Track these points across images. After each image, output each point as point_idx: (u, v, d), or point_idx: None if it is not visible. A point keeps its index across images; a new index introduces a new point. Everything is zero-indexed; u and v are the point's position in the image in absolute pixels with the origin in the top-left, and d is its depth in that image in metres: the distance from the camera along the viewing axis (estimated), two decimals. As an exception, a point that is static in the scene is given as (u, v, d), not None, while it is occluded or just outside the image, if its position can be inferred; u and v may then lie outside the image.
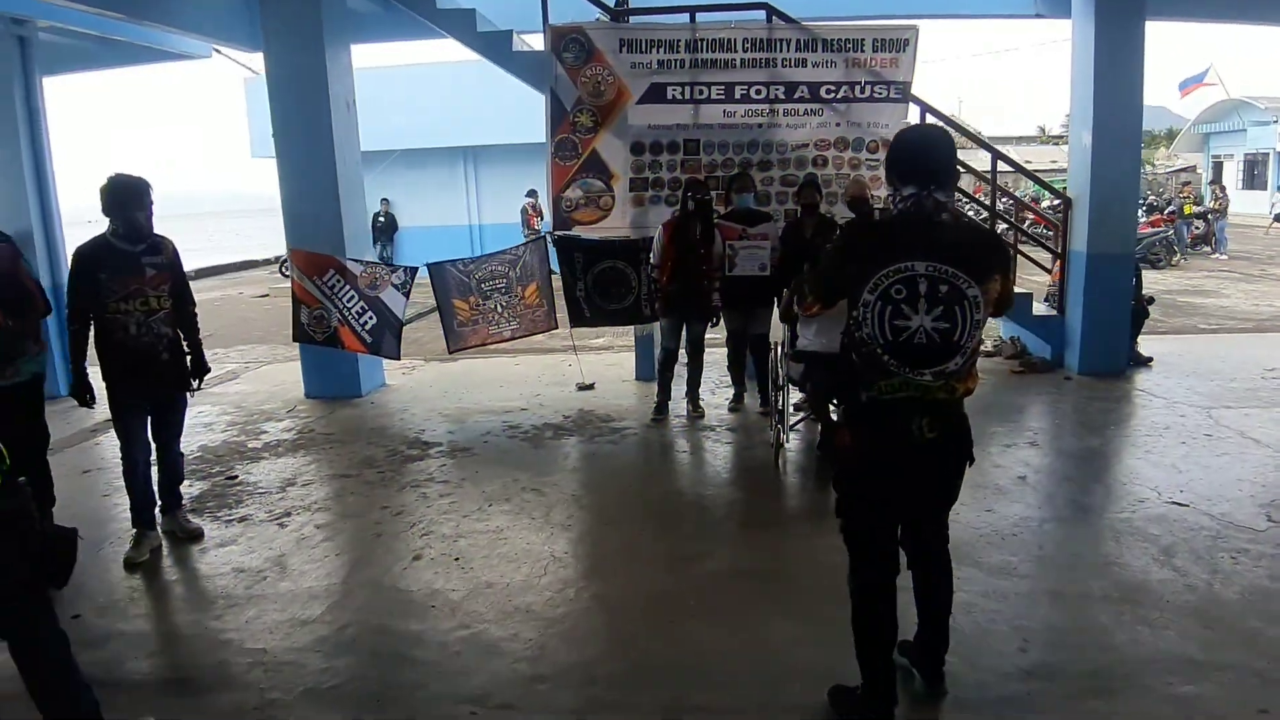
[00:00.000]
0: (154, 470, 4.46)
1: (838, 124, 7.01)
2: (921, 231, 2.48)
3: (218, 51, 9.01)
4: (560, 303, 6.96)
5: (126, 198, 4.10)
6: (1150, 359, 7.46)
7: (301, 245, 6.98)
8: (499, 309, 7.02)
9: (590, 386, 7.37)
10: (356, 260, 6.84)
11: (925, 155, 2.55)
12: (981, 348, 7.71)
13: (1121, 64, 6.92)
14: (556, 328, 7.23)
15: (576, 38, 6.86)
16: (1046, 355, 7.55)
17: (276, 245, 16.08)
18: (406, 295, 6.80)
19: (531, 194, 15.94)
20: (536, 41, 7.42)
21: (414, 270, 6.92)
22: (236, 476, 5.52)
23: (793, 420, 5.66)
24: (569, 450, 5.85)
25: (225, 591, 3.99)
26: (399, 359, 7.10)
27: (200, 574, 4.23)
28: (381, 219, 17.43)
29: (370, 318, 6.74)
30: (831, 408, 5.47)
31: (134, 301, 4.15)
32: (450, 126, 15.83)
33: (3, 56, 7.27)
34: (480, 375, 8.05)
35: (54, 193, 7.74)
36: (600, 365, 8.13)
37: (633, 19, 7.14)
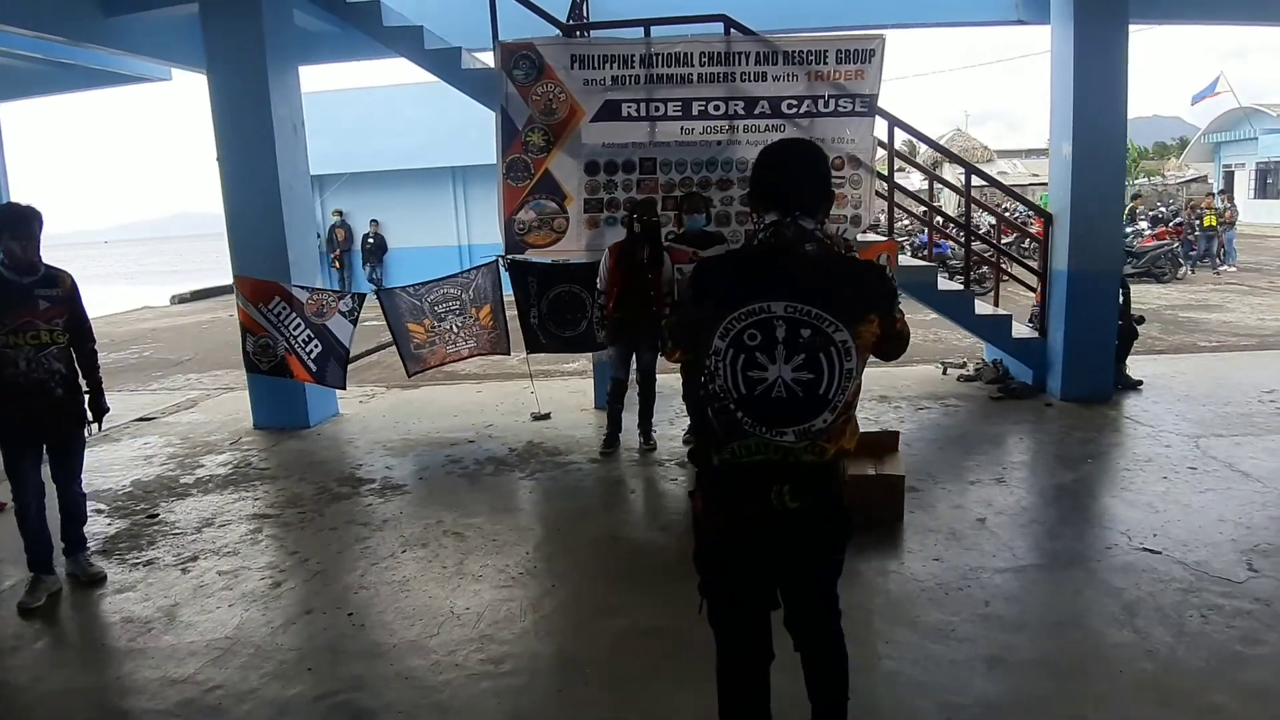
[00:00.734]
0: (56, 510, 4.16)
1: (801, 139, 6.64)
2: (780, 266, 2.09)
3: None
4: (516, 327, 6.65)
5: (4, 225, 3.83)
6: (1140, 382, 6.99)
7: (246, 271, 6.70)
8: (454, 329, 6.77)
9: (546, 416, 6.99)
10: (302, 287, 6.54)
11: (787, 175, 2.16)
12: (956, 373, 7.29)
13: (1103, 69, 6.49)
14: (508, 353, 6.92)
15: (527, 54, 6.54)
16: (1029, 380, 7.10)
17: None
18: (354, 323, 6.48)
19: None
20: (490, 59, 7.11)
21: (362, 296, 6.65)
22: (158, 515, 5.21)
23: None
24: (506, 488, 5.48)
25: (107, 643, 3.70)
26: (344, 389, 6.82)
27: (88, 623, 3.95)
28: (371, 240, 17.23)
29: (315, 346, 6.45)
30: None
31: (24, 335, 3.88)
32: (438, 147, 15.61)
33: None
34: (438, 404, 7.70)
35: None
36: (563, 392, 7.78)
37: (587, 34, 6.82)
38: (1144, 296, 12.32)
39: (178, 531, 4.91)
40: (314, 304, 6.50)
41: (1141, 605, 3.53)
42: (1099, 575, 3.83)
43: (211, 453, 6.48)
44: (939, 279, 7.33)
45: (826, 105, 6.57)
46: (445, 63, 6.88)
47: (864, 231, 6.94)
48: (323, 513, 5.10)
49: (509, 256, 6.75)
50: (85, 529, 4.38)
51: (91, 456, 6.42)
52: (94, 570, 4.29)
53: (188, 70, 7.82)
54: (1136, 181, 26.74)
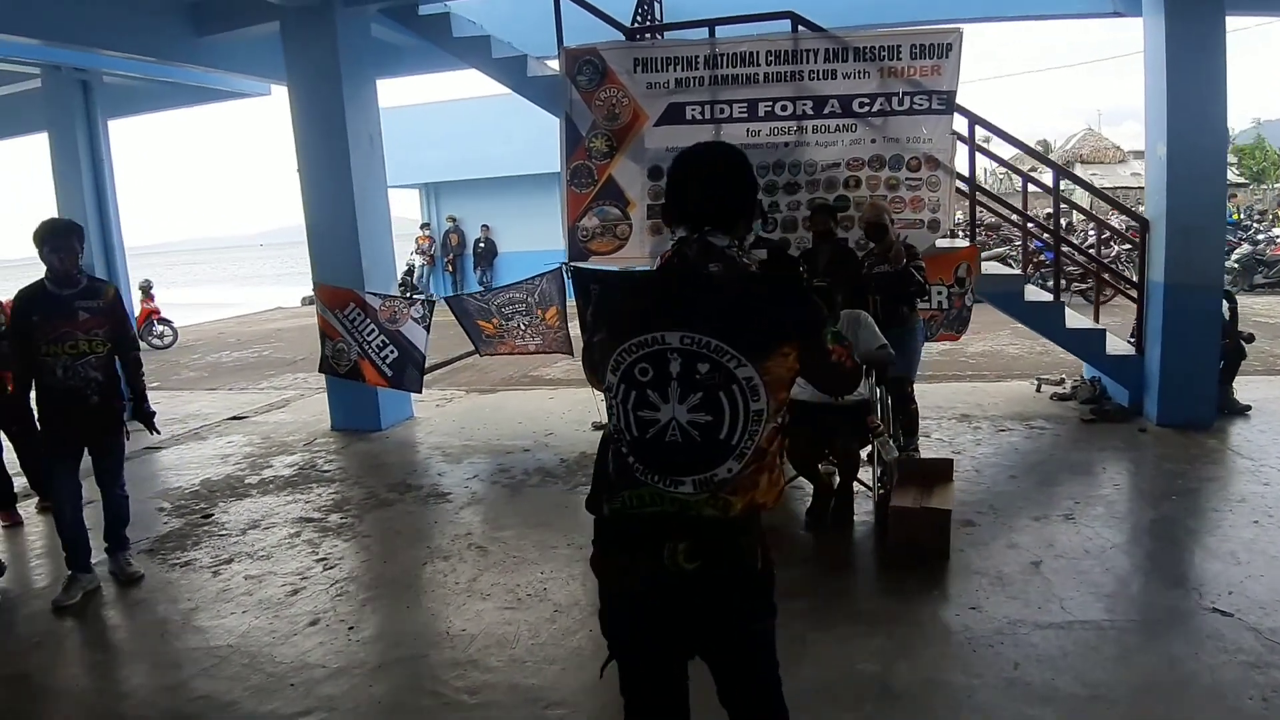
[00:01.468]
0: (101, 510, 4.33)
1: (873, 140, 6.19)
2: (677, 291, 1.81)
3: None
4: (578, 335, 6.54)
5: (43, 240, 4.00)
6: (1248, 407, 6.15)
7: (325, 279, 6.88)
8: (522, 327, 6.76)
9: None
10: (376, 294, 6.66)
11: (696, 185, 1.86)
12: (1051, 390, 6.59)
13: (1199, 64, 5.71)
14: (572, 354, 6.82)
15: (590, 59, 6.40)
16: (1124, 402, 6.38)
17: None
18: (427, 329, 6.59)
19: None
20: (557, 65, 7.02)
21: (432, 303, 6.71)
22: (212, 515, 5.36)
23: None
24: (545, 501, 5.33)
25: (121, 645, 3.81)
26: (420, 393, 6.91)
27: (110, 624, 4.06)
28: (482, 244, 17.64)
29: (391, 351, 6.55)
30: (824, 468, 4.77)
31: (63, 345, 4.03)
32: (546, 153, 15.73)
33: (67, 101, 7.60)
34: (508, 409, 7.67)
35: (116, 229, 8.02)
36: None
37: (650, 37, 6.61)
38: (1276, 310, 11.04)
39: (224, 533, 5.01)
40: (386, 310, 6.61)
41: (1194, 681, 2.98)
42: (1154, 639, 3.28)
43: (284, 453, 6.66)
44: (1027, 288, 6.69)
45: (901, 103, 6.11)
46: (512, 71, 6.84)
47: (943, 237, 6.43)
48: (364, 519, 5.12)
49: (572, 264, 6.64)
50: (139, 529, 4.53)
51: (174, 455, 6.82)
52: (131, 571, 4.40)
53: (281, 85, 8.11)
54: (1278, 186, 24.08)
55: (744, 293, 1.80)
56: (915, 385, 5.56)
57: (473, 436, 6.84)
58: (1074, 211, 15.13)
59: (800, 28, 6.20)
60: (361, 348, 6.60)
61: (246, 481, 6.01)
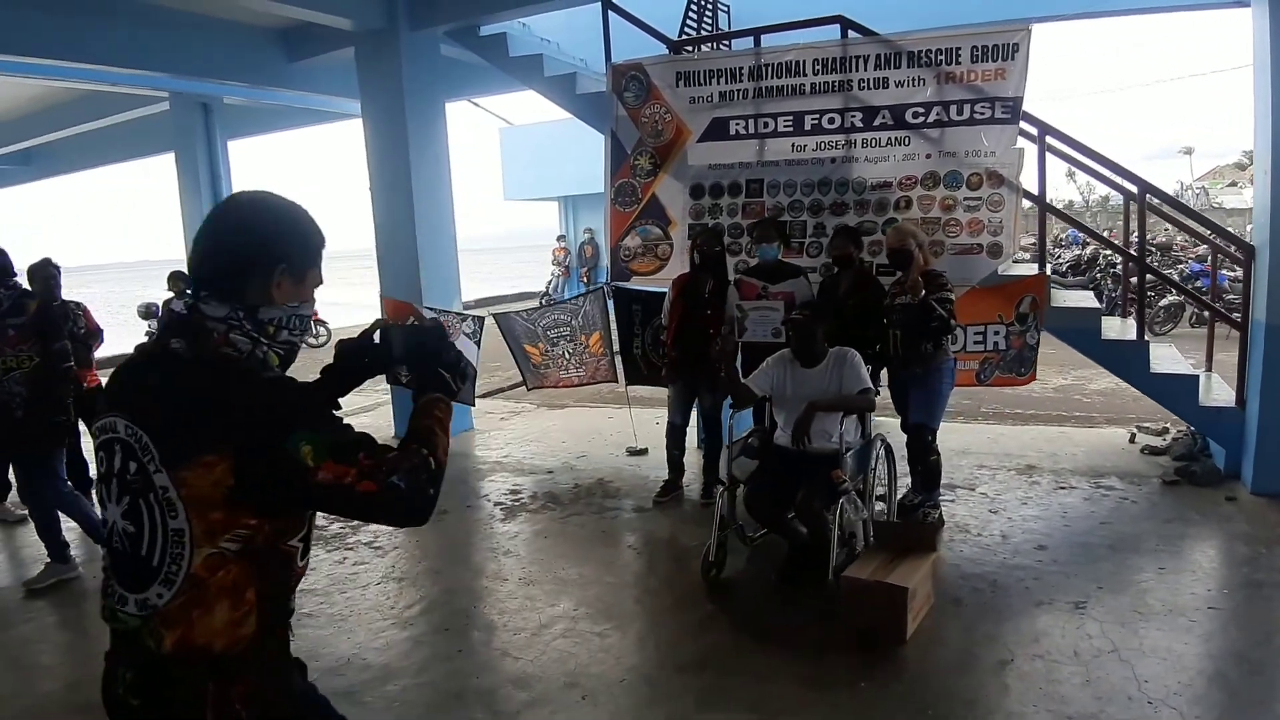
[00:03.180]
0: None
1: (928, 155, 5.44)
2: (136, 370, 1.48)
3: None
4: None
5: None
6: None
7: (388, 293, 7.01)
8: (566, 355, 6.66)
9: (642, 452, 6.46)
10: (432, 309, 6.70)
11: (196, 242, 1.50)
12: (1147, 440, 5.55)
13: None
14: (616, 380, 6.55)
15: (636, 75, 6.08)
16: (1220, 462, 5.24)
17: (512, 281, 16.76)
18: (478, 344, 6.59)
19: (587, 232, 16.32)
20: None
21: (482, 320, 6.72)
22: None
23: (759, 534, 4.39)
24: (531, 529, 5.09)
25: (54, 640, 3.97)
26: (474, 405, 6.95)
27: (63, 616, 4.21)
28: (590, 248, 17.69)
29: None
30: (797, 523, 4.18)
31: None
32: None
33: (190, 123, 8.20)
34: (562, 427, 7.50)
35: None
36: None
37: (696, 48, 6.19)
38: None
39: None
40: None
41: None
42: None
43: (340, 456, 6.80)
44: (1107, 323, 5.64)
45: (960, 112, 5.33)
46: (563, 89, 6.62)
47: (1014, 263, 5.57)
48: (358, 531, 5.08)
49: (614, 284, 6.36)
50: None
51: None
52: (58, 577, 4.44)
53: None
54: None
55: (180, 378, 1.42)
56: (1007, 426, 4.80)
57: (510, 454, 6.71)
58: (1178, 233, 12.93)
59: (850, 33, 5.57)
60: None
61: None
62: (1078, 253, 14.41)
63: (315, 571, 4.50)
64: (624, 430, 7.10)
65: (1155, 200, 5.97)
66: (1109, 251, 11.87)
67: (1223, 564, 4.08)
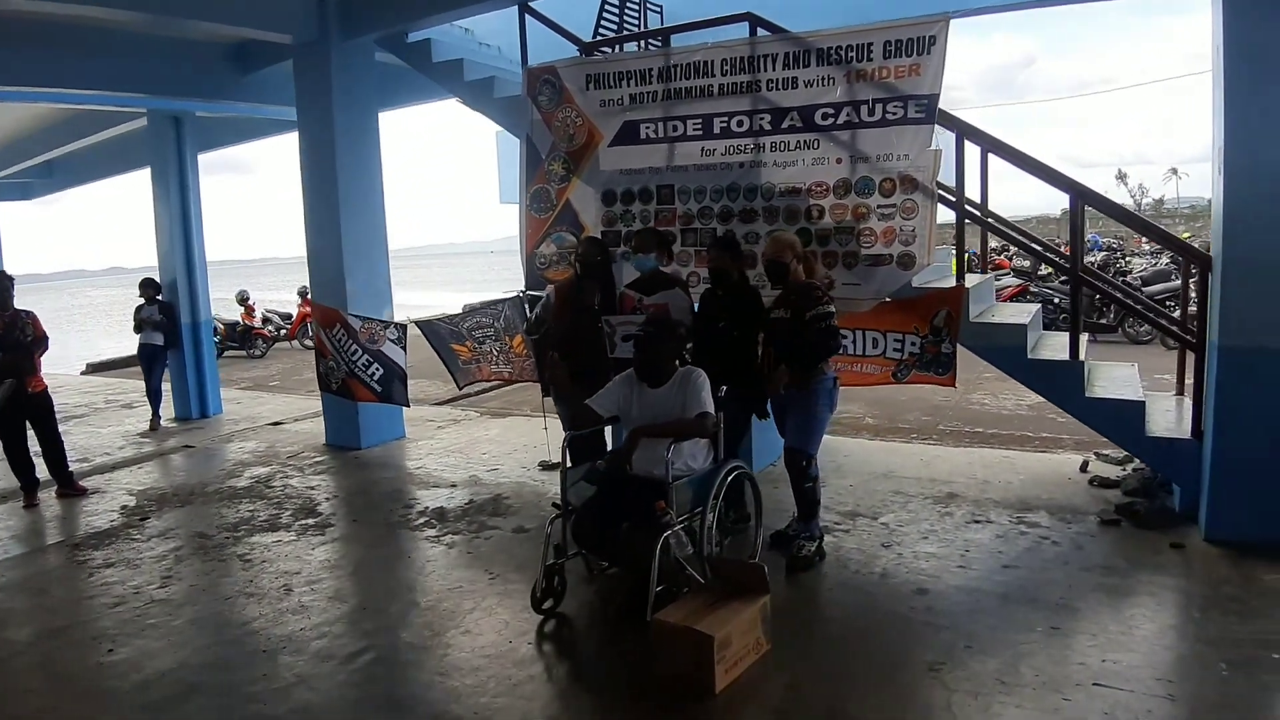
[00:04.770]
0: None
1: (839, 160, 4.84)
2: None
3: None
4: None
5: None
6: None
7: (320, 299, 6.71)
8: (494, 352, 6.34)
9: (554, 466, 5.97)
10: (356, 316, 6.40)
11: None
12: (1088, 471, 4.85)
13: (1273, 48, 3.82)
14: (538, 382, 6.11)
15: (549, 78, 5.64)
16: (1175, 502, 4.45)
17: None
18: (404, 348, 6.39)
19: None
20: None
21: (403, 327, 6.40)
22: (149, 518, 5.33)
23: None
24: (394, 549, 4.70)
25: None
26: (409, 406, 6.66)
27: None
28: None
29: (377, 369, 6.40)
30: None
31: None
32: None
33: (162, 138, 8.11)
34: (498, 436, 7.07)
35: (198, 247, 8.40)
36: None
37: (603, 51, 5.71)
38: None
39: (135, 538, 4.95)
40: (365, 332, 6.43)
41: None
42: None
43: (262, 465, 6.53)
44: (1048, 342, 4.89)
45: (871, 113, 4.73)
46: (481, 95, 6.21)
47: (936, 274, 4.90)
48: (239, 543, 4.77)
49: (528, 292, 5.92)
50: (83, 523, 5.05)
51: (195, 457, 6.93)
52: None
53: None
54: None
55: None
56: (948, 448, 4.19)
57: (424, 466, 6.32)
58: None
59: (760, 31, 5.02)
60: (349, 366, 6.42)
61: (207, 490, 5.92)
62: (1088, 260, 13.41)
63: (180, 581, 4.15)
64: (555, 442, 6.63)
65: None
66: (1120, 259, 10.85)
67: (1133, 629, 3.33)
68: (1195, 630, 3.33)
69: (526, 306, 5.96)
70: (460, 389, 6.45)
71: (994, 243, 7.78)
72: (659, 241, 4.76)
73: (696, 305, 4.64)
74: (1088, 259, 14.56)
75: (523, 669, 3.26)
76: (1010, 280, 12.97)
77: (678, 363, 3.88)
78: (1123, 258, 14.27)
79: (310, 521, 5.07)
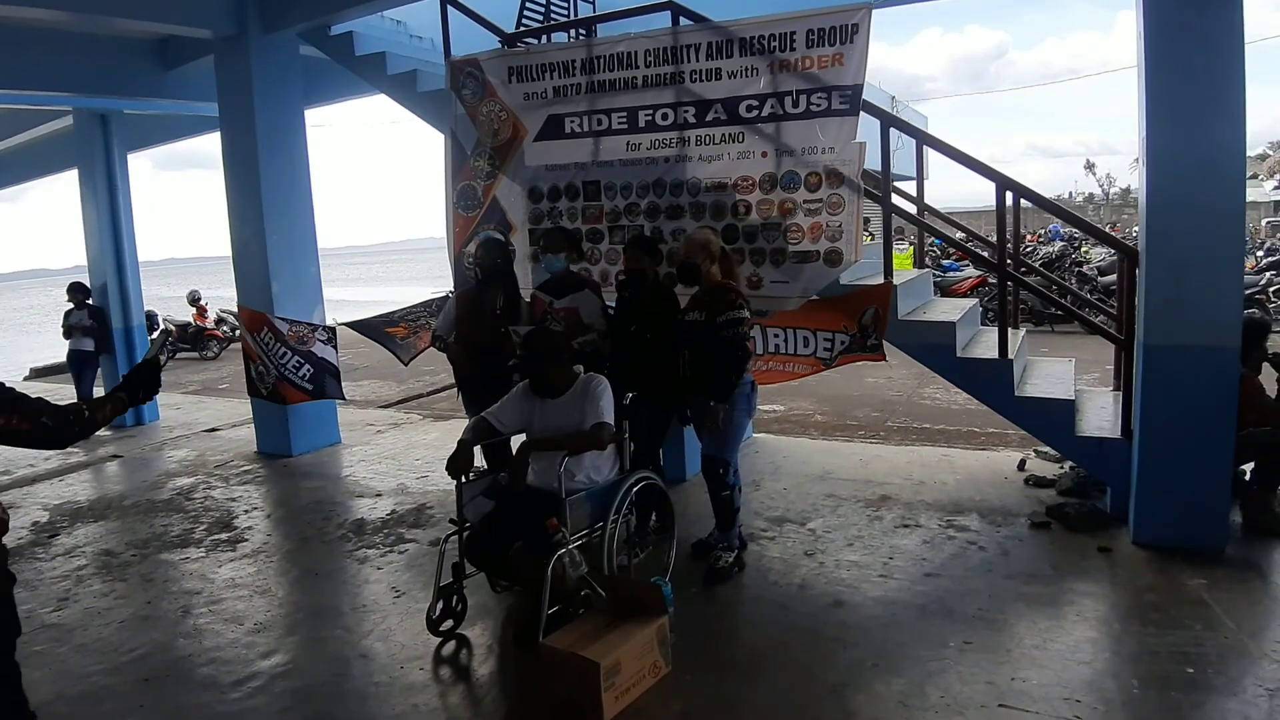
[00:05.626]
0: None
1: (764, 153, 4.64)
2: None
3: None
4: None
5: None
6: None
7: (245, 302, 6.44)
8: (430, 324, 6.10)
9: (487, 473, 5.72)
10: (284, 319, 6.17)
11: None
12: (1025, 469, 4.73)
13: (1201, 39, 3.64)
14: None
15: (472, 71, 5.40)
16: (1106, 503, 4.31)
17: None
18: (335, 347, 6.24)
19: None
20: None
21: (332, 329, 6.18)
22: (58, 535, 5.07)
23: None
24: (307, 564, 4.45)
25: None
26: (344, 399, 6.45)
27: None
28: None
29: (307, 369, 6.23)
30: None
31: None
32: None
33: (89, 137, 7.78)
34: (437, 441, 6.79)
35: (129, 249, 8.09)
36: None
37: (528, 41, 5.47)
38: None
39: (40, 556, 4.71)
40: (294, 334, 6.24)
41: None
42: None
43: (188, 475, 6.26)
44: (979, 339, 4.73)
45: (795, 104, 4.52)
46: (405, 88, 5.95)
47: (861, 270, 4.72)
48: (145, 561, 4.54)
49: (456, 291, 5.68)
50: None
51: (123, 466, 6.65)
52: None
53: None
54: None
55: None
56: (891, 446, 4.01)
57: (354, 473, 6.08)
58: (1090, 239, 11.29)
59: (682, 20, 4.80)
60: (279, 370, 6.20)
61: (124, 503, 5.66)
62: (1046, 250, 13.35)
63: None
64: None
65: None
66: (1077, 250, 10.77)
67: (1049, 643, 3.15)
68: (1112, 644, 3.17)
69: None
70: (405, 364, 6.17)
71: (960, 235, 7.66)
72: (568, 241, 4.55)
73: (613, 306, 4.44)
74: (1045, 249, 14.52)
75: (409, 697, 3.07)
76: (971, 271, 12.86)
77: (580, 369, 3.69)
78: (1080, 248, 14.21)
79: (223, 536, 4.83)
